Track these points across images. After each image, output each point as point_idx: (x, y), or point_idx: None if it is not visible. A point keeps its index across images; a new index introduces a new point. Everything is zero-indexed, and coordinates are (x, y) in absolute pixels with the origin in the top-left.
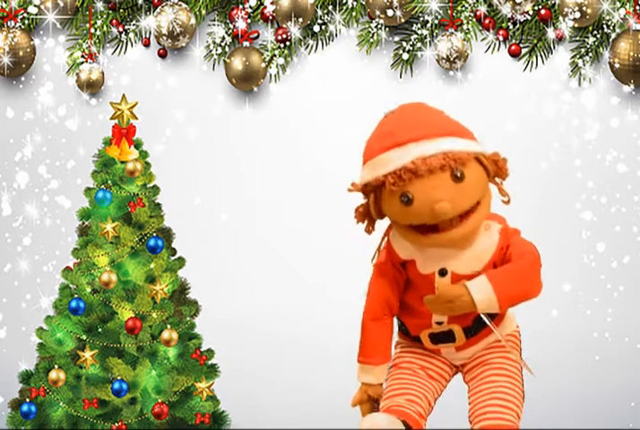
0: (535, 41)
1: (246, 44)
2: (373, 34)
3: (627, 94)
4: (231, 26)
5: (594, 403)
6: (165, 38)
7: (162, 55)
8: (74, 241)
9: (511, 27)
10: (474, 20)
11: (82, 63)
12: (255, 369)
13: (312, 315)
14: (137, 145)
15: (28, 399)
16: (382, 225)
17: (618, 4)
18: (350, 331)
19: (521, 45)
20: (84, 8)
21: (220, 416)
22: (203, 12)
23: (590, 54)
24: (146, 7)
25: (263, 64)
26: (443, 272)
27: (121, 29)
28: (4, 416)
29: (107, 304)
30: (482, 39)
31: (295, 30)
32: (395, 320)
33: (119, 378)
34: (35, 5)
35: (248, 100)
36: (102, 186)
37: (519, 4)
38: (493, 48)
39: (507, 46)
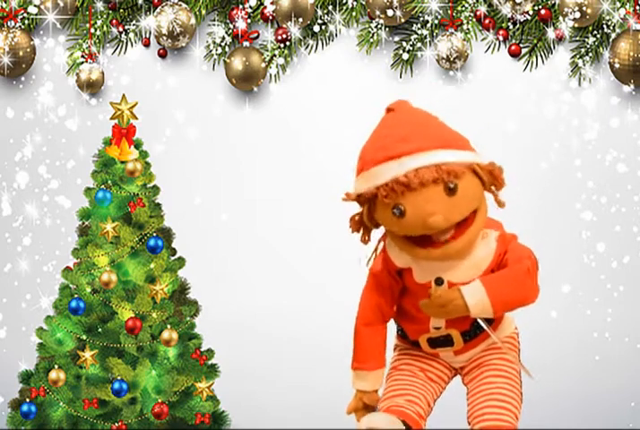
0: (535, 41)
1: (246, 44)
2: (373, 34)
3: (627, 94)
4: (231, 26)
5: (594, 403)
6: (165, 38)
7: (162, 55)
8: (74, 241)
9: (511, 27)
10: (474, 20)
11: (82, 63)
12: (255, 369)
13: (312, 315)
14: (137, 145)
15: (28, 399)
16: (377, 233)
17: (618, 4)
18: (350, 332)
19: (521, 45)
20: (84, 8)
21: (220, 416)
22: (203, 12)
23: (590, 54)
24: (146, 7)
25: (263, 64)
26: (439, 282)
27: (121, 29)
28: (4, 416)
29: (107, 304)
30: (482, 39)
31: (295, 30)
32: (393, 324)
33: (119, 378)
34: (35, 5)
35: (248, 100)
36: (102, 186)
37: (519, 4)
38: (493, 48)
39: (507, 46)
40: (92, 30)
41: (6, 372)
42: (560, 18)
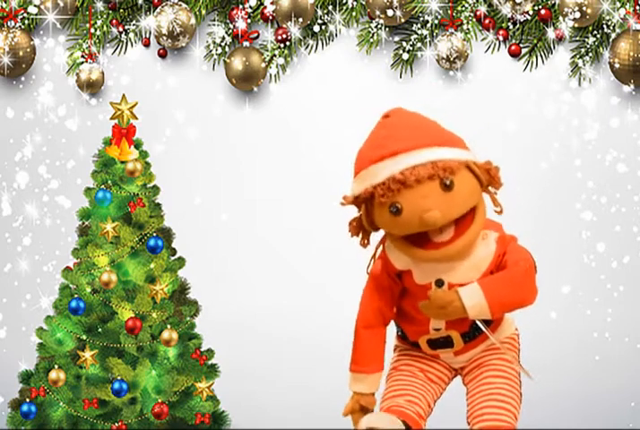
0: (535, 41)
1: (246, 44)
2: (373, 34)
3: (627, 94)
4: (231, 26)
5: (594, 403)
6: (165, 38)
7: (162, 55)
8: (74, 241)
9: (511, 27)
10: (474, 20)
11: (82, 63)
12: (255, 369)
13: (312, 315)
14: (137, 145)
15: (28, 399)
16: (377, 236)
17: (618, 4)
18: (350, 332)
19: (521, 45)
20: (84, 8)
21: (220, 416)
22: (203, 12)
23: (590, 54)
24: (146, 7)
25: (263, 64)
26: (439, 283)
27: (121, 29)
28: (4, 416)
29: (107, 304)
30: (482, 39)
31: (295, 30)
32: (393, 325)
33: (119, 378)
34: (35, 5)
35: (248, 100)
36: (102, 186)
37: (519, 4)
38: (493, 48)
39: (507, 46)
40: (92, 30)
41: (6, 372)
42: (560, 18)
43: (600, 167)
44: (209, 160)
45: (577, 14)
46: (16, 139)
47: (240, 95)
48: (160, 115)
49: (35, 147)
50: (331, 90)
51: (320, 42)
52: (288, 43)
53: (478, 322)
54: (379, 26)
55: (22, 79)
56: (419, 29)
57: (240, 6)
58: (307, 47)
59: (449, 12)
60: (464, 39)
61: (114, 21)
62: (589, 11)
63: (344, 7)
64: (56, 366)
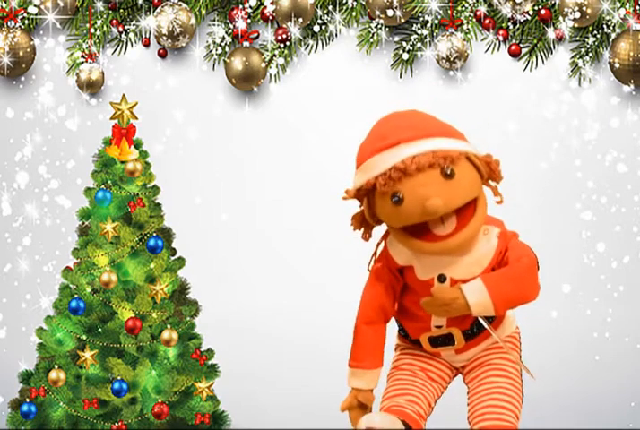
0: (535, 41)
1: (246, 44)
2: (373, 34)
3: (627, 94)
4: (231, 26)
5: (594, 403)
6: (165, 38)
7: (162, 55)
8: (74, 241)
9: (511, 27)
10: (474, 20)
11: (82, 63)
12: (255, 369)
13: (312, 315)
14: (137, 145)
15: (28, 399)
16: (378, 231)
17: (618, 4)
18: (350, 332)
19: (521, 45)
20: (84, 8)
21: (220, 416)
22: (203, 12)
23: (590, 54)
24: (146, 7)
25: (263, 64)
26: (442, 278)
27: (121, 29)
28: (4, 416)
29: (107, 304)
30: (482, 39)
31: (295, 30)
32: (394, 323)
33: (119, 378)
34: (35, 5)
35: (248, 100)
36: (102, 186)
37: (519, 4)
38: (493, 48)
39: (507, 46)
40: (92, 30)
41: (6, 372)
42: (560, 18)
43: (600, 167)
44: (209, 160)
45: (577, 14)
46: (16, 139)
47: (240, 95)
48: (160, 115)
49: (35, 147)
50: (331, 90)
51: (320, 42)
52: (288, 43)
53: (480, 319)
54: (379, 26)
55: (22, 79)
56: (419, 29)
57: (240, 6)
58: (307, 47)
59: (449, 12)
60: (464, 39)
61: (114, 21)
62: (589, 11)
63: (344, 7)
64: (56, 366)
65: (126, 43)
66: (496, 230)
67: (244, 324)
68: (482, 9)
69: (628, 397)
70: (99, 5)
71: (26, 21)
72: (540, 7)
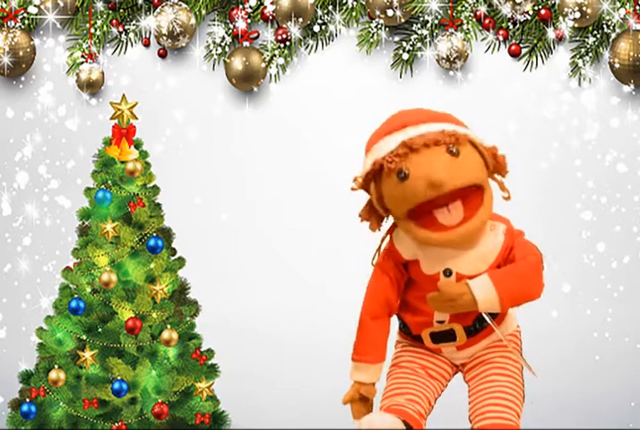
0: (535, 41)
1: (246, 44)
2: (373, 34)
3: (627, 94)
4: (231, 26)
5: (594, 403)
6: (165, 38)
7: (162, 55)
8: (74, 241)
9: (511, 27)
10: (474, 20)
11: (82, 63)
12: (255, 369)
13: (312, 315)
14: (137, 145)
15: (28, 399)
16: (383, 227)
17: (618, 4)
18: (350, 332)
19: (521, 45)
20: (84, 8)
21: (220, 416)
22: (203, 12)
23: (590, 54)
24: (146, 7)
25: (263, 64)
26: (447, 273)
27: (121, 29)
28: (4, 416)
29: (107, 304)
30: (482, 39)
31: (295, 30)
32: (396, 319)
33: (119, 378)
34: (35, 5)
35: (248, 100)
36: (102, 186)
37: (519, 4)
38: (493, 48)
39: (507, 46)
40: (92, 30)
41: (6, 372)
42: (560, 18)
43: (600, 167)
44: (209, 160)
45: (577, 14)
46: (16, 139)
47: (240, 95)
48: (160, 115)
49: (35, 147)
50: (331, 90)
51: (320, 42)
52: (288, 43)
53: (484, 315)
54: (379, 26)
55: (22, 79)
56: (419, 29)
57: (240, 6)
58: (307, 47)
59: (449, 12)
60: (464, 39)
61: (114, 21)
62: (589, 11)
63: (344, 7)
64: (56, 366)
65: (126, 43)
66: (502, 227)
67: (244, 324)
68: (482, 9)
69: (628, 397)
70: (99, 5)
71: (26, 21)
72: (540, 7)
